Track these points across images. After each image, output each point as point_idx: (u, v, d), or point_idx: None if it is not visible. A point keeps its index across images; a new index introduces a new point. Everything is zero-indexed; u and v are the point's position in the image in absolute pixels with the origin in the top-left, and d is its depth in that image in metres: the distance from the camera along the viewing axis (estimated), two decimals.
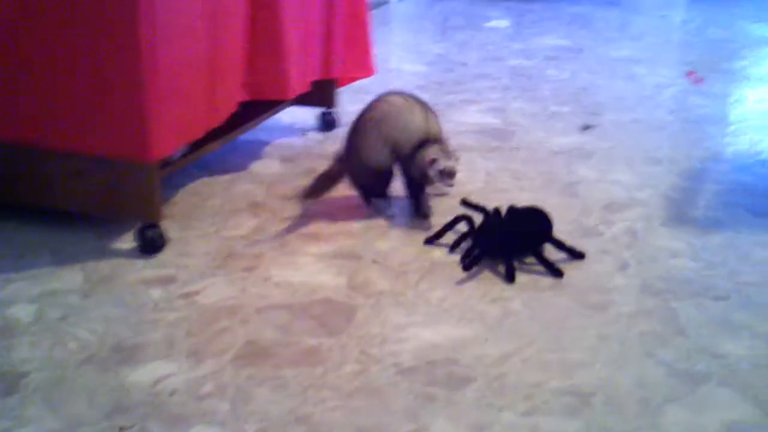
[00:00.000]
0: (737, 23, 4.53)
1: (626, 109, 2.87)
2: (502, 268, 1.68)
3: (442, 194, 2.05)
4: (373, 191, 2.03)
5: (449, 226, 1.84)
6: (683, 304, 1.57)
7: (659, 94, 3.09)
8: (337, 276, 1.69)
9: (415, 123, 1.88)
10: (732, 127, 2.67)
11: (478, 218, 1.84)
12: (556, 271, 1.68)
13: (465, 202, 1.95)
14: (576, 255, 1.74)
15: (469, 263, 1.70)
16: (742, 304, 1.57)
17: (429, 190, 1.98)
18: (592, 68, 3.53)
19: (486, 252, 1.71)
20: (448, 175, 1.83)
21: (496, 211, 1.81)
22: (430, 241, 1.83)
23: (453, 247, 1.79)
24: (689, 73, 3.36)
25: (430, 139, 1.87)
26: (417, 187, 1.94)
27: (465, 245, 1.77)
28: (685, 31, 4.47)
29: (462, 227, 1.82)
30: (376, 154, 1.92)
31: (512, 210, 1.80)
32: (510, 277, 1.65)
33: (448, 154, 1.85)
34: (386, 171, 1.96)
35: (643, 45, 4.04)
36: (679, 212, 1.99)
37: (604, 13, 4.97)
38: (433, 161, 1.83)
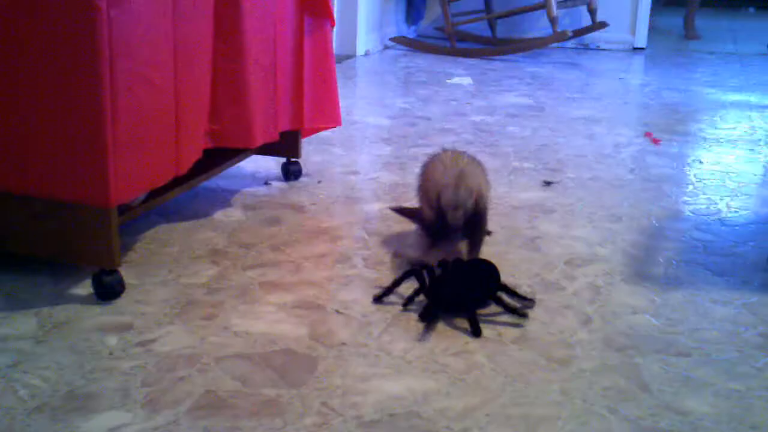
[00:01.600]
0: (692, 88, 4.65)
1: (586, 167, 2.91)
2: (466, 324, 1.66)
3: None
4: (425, 231, 2.13)
5: (398, 282, 1.79)
6: (646, 360, 1.57)
7: (618, 153, 3.14)
8: (298, 326, 1.66)
9: (437, 173, 1.95)
10: (690, 187, 2.72)
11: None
12: (520, 314, 1.68)
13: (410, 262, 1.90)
14: (527, 301, 1.75)
15: (423, 313, 1.68)
16: (703, 361, 1.58)
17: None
18: (553, 126, 3.58)
19: (442, 306, 1.69)
20: (454, 207, 1.84)
21: (443, 263, 1.79)
22: (379, 298, 1.78)
23: (406, 304, 1.74)
24: (647, 134, 3.42)
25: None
26: (435, 227, 1.99)
27: (420, 301, 1.74)
28: (643, 94, 4.57)
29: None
30: (419, 199, 2.10)
31: (458, 263, 1.79)
32: (476, 332, 1.63)
33: (460, 189, 1.85)
34: (426, 217, 2.07)
35: (602, 105, 4.12)
36: (640, 269, 2.01)
37: (564, 74, 5.07)
38: (445, 188, 1.86)
